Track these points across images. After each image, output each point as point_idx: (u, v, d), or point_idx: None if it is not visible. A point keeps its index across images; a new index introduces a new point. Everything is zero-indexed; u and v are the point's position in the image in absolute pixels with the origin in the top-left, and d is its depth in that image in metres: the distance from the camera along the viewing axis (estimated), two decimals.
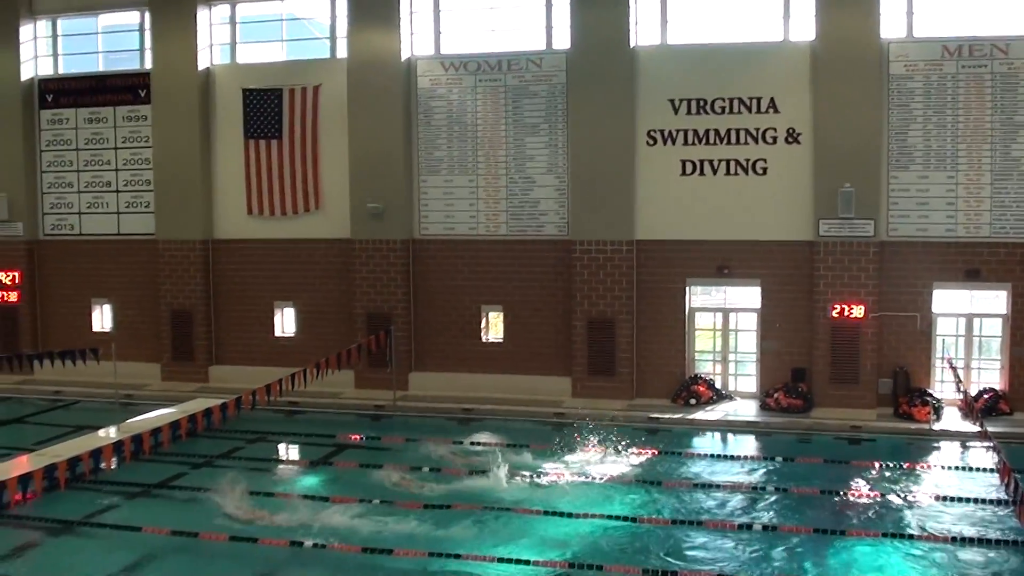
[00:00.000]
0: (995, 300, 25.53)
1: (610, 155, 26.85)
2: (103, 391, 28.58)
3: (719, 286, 27.17)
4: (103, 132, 31.09)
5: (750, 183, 26.32)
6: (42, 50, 31.68)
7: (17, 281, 31.55)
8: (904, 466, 21.24)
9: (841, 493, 19.43)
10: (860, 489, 19.72)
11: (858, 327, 25.44)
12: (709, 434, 24.77)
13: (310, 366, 24.84)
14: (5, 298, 31.67)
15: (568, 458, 22.03)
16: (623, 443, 22.58)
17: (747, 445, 23.93)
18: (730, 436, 24.65)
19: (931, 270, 25.42)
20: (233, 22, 30.12)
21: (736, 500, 19.33)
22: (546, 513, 18.35)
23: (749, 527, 17.63)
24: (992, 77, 24.87)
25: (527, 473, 20.65)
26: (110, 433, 23.66)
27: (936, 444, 23.34)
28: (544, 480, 20.40)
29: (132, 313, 31.17)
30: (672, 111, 26.71)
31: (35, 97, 31.62)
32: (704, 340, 27.65)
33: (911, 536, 17.15)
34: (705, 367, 27.38)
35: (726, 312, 27.29)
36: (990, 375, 25.67)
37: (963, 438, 23.32)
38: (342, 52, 28.97)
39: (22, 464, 20.88)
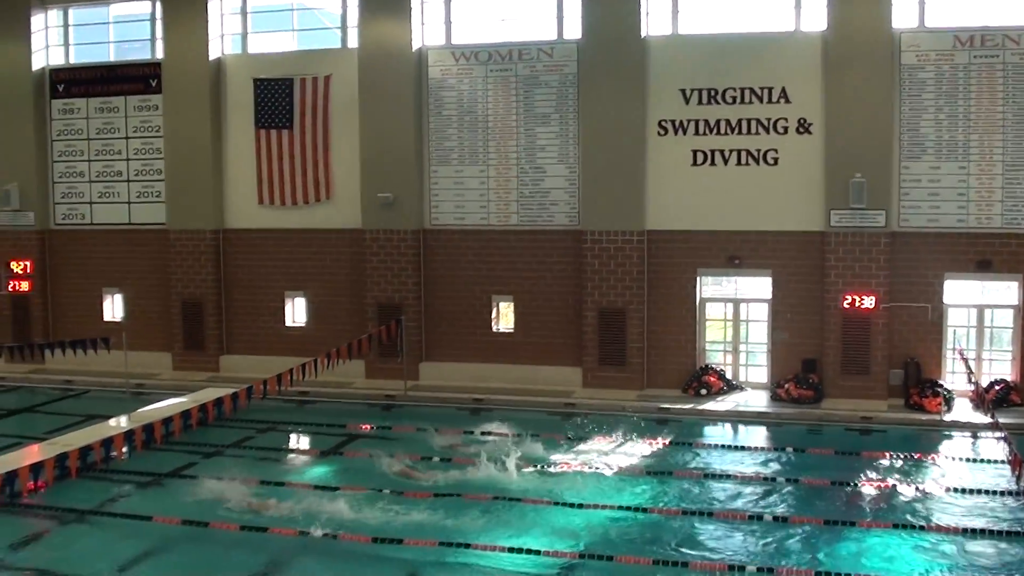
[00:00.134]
0: (1007, 291, 25.47)
1: (621, 145, 26.80)
2: (114, 380, 28.68)
3: (730, 276, 27.14)
4: (114, 122, 31.12)
5: (761, 173, 26.27)
6: (53, 40, 31.69)
7: (28, 270, 31.62)
8: (915, 457, 21.20)
9: (852, 484, 19.40)
10: (871, 480, 19.65)
11: (869, 318, 25.39)
12: (719, 424, 24.78)
13: (321, 356, 24.90)
14: (17, 287, 31.72)
15: (578, 448, 22.06)
16: (633, 433, 22.60)
17: (757, 436, 23.89)
18: (740, 427, 24.62)
19: (942, 261, 25.35)
20: (244, 12, 30.11)
21: (746, 491, 19.30)
22: (556, 503, 18.36)
23: (759, 518, 17.61)
24: (1004, 67, 24.76)
25: (537, 463, 20.65)
26: (121, 422, 23.69)
27: (947, 435, 23.28)
28: (554, 470, 20.41)
29: (143, 302, 31.21)
30: (683, 101, 26.66)
31: (46, 87, 31.65)
32: (715, 330, 27.63)
33: (921, 527, 17.11)
34: (716, 357, 27.35)
35: (737, 303, 27.26)
36: (1001, 366, 25.57)
37: (974, 429, 23.28)
38: (353, 42, 28.94)
39: (33, 453, 20.94)
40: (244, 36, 30.18)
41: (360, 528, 17.10)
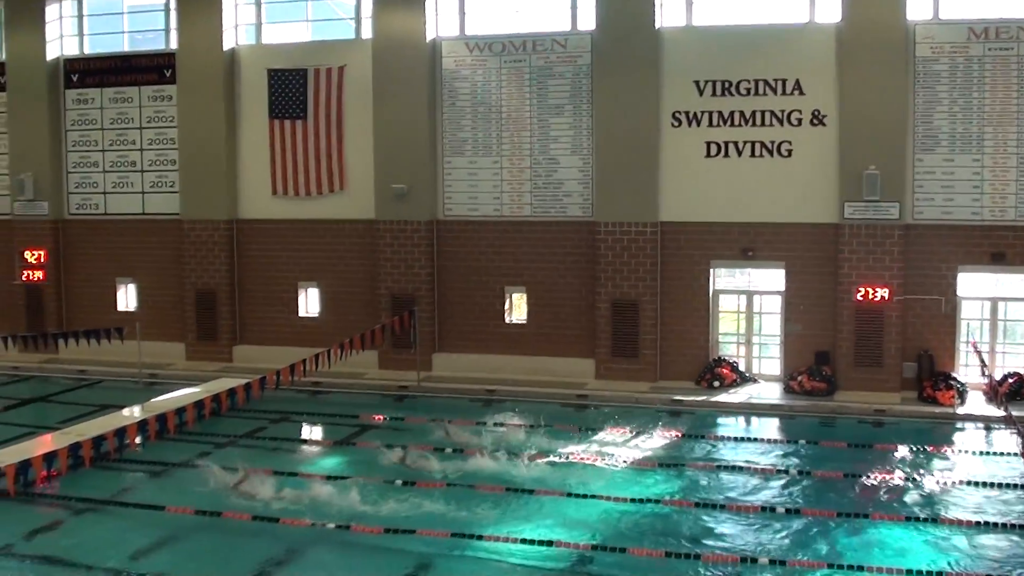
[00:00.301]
0: (1020, 284, 25.35)
1: (635, 136, 26.77)
2: (127, 370, 28.77)
3: (743, 268, 27.09)
4: (128, 112, 31.19)
5: (775, 165, 26.22)
6: (67, 30, 31.76)
7: (42, 260, 31.72)
8: (928, 450, 21.19)
9: (864, 476, 19.38)
10: (884, 473, 19.62)
11: (882, 310, 25.34)
12: (733, 417, 24.72)
13: (334, 346, 24.93)
14: (31, 277, 31.83)
15: (591, 440, 22.08)
16: (646, 425, 22.60)
17: (770, 428, 23.87)
18: (754, 419, 24.58)
19: (956, 253, 25.28)
20: (258, 2, 30.13)
21: (759, 483, 19.30)
22: (569, 495, 18.35)
23: (772, 510, 17.60)
24: (1019, 60, 24.64)
25: (550, 455, 20.67)
26: (134, 412, 23.78)
27: (960, 428, 23.26)
28: (566, 462, 20.42)
29: (157, 293, 31.29)
30: (697, 92, 26.61)
31: (60, 77, 31.73)
32: (728, 322, 27.61)
33: (934, 520, 17.08)
34: (729, 349, 27.34)
35: (750, 294, 27.23)
36: (1015, 359, 25.49)
37: (987, 422, 23.23)
38: (367, 33, 28.95)
39: (47, 443, 21.04)
40: (258, 26, 30.21)
41: (372, 519, 17.13)
